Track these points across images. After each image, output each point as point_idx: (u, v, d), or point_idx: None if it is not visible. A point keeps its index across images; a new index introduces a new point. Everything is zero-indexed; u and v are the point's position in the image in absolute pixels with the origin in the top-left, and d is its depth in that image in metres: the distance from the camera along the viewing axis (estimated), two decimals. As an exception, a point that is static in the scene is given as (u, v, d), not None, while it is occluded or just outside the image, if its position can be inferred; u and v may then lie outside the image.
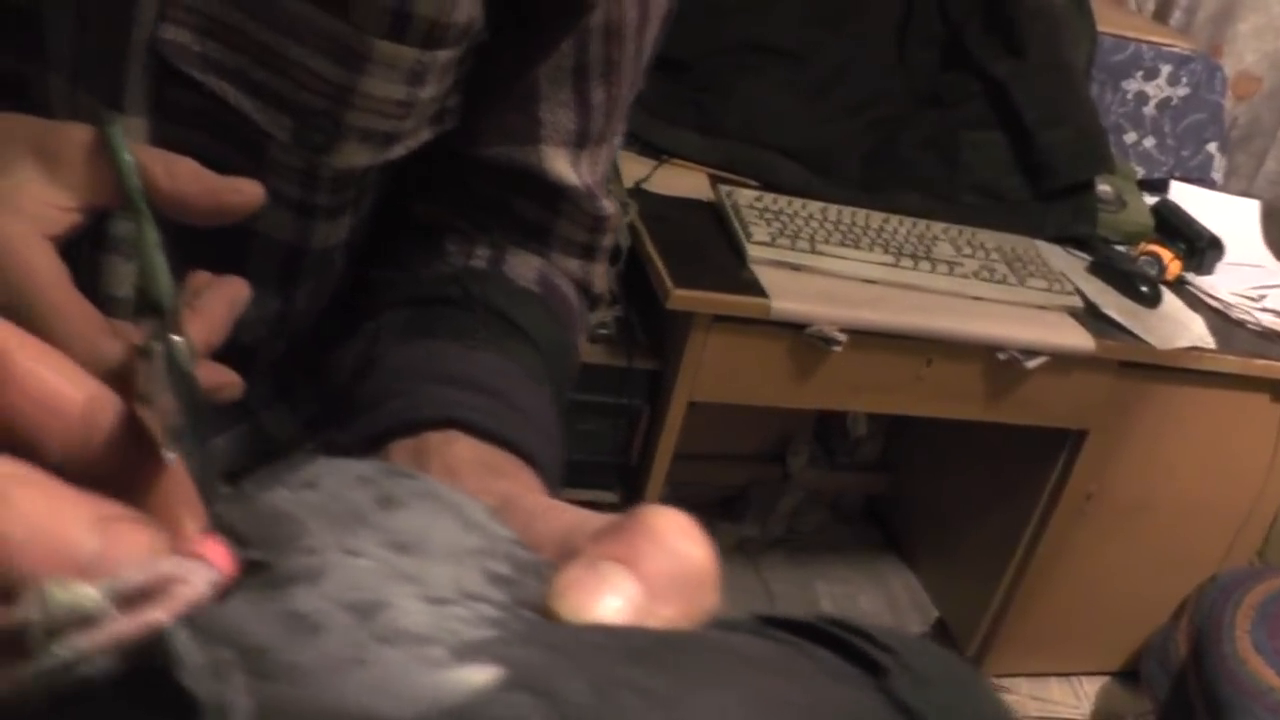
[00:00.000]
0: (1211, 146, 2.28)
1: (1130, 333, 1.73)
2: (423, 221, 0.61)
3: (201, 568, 0.20)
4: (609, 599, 0.22)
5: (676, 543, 0.23)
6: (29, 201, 0.39)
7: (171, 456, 0.26)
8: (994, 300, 1.69)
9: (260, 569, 0.21)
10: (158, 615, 0.19)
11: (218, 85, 0.48)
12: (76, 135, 0.40)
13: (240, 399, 0.44)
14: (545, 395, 0.51)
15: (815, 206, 1.73)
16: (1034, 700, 2.17)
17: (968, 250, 1.76)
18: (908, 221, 1.78)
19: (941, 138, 1.93)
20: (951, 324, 1.63)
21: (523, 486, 0.42)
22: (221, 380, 0.43)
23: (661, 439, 1.67)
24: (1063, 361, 1.70)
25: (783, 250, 1.61)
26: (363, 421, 0.47)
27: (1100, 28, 2.13)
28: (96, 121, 0.40)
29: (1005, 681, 2.17)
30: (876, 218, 1.76)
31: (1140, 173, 2.20)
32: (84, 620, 0.19)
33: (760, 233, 1.62)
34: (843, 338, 1.57)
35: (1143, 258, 1.92)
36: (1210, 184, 2.26)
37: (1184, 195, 2.13)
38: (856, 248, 1.66)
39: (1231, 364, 1.81)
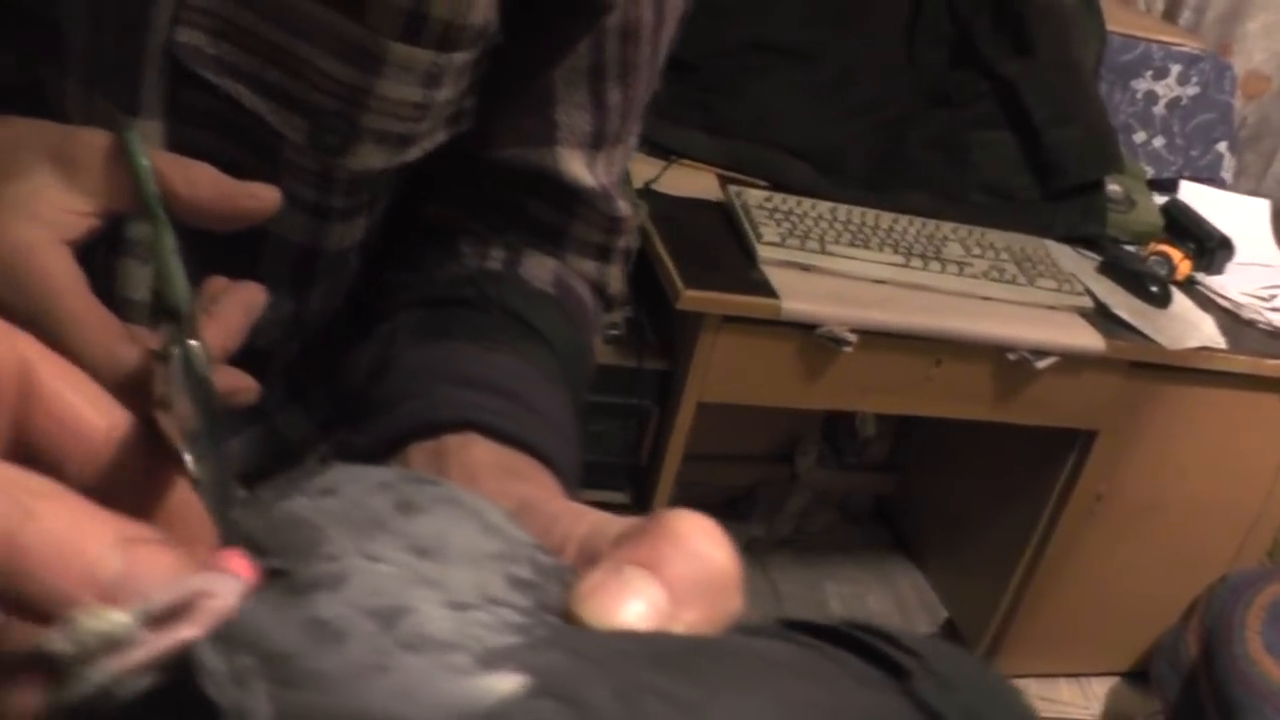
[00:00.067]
0: (1221, 146, 2.27)
1: (1140, 333, 1.72)
2: (437, 223, 0.60)
3: (229, 580, 0.20)
4: (633, 604, 0.22)
5: (700, 546, 0.23)
6: (46, 207, 0.39)
7: (189, 459, 0.26)
8: (1003, 300, 1.69)
9: (281, 577, 0.20)
10: (189, 632, 0.19)
11: (233, 88, 0.48)
12: (93, 140, 0.40)
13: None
14: (562, 397, 0.51)
15: (825, 207, 1.73)
16: (1043, 701, 2.17)
17: (977, 250, 1.75)
18: (917, 221, 1.78)
19: (950, 137, 1.93)
20: (961, 324, 1.63)
21: (542, 489, 0.42)
22: (237, 385, 0.43)
23: (671, 439, 1.67)
24: (1072, 362, 1.70)
25: (792, 250, 1.61)
26: (380, 423, 0.46)
27: (1109, 27, 2.12)
28: (112, 125, 0.40)
29: (1014, 682, 2.16)
30: (886, 218, 1.76)
31: (1150, 172, 2.19)
32: (115, 644, 0.19)
33: (770, 233, 1.62)
34: (853, 338, 1.57)
35: (1152, 258, 1.91)
36: (1220, 183, 2.25)
37: (1193, 195, 2.12)
38: (866, 248, 1.66)
39: (1242, 364, 1.81)
